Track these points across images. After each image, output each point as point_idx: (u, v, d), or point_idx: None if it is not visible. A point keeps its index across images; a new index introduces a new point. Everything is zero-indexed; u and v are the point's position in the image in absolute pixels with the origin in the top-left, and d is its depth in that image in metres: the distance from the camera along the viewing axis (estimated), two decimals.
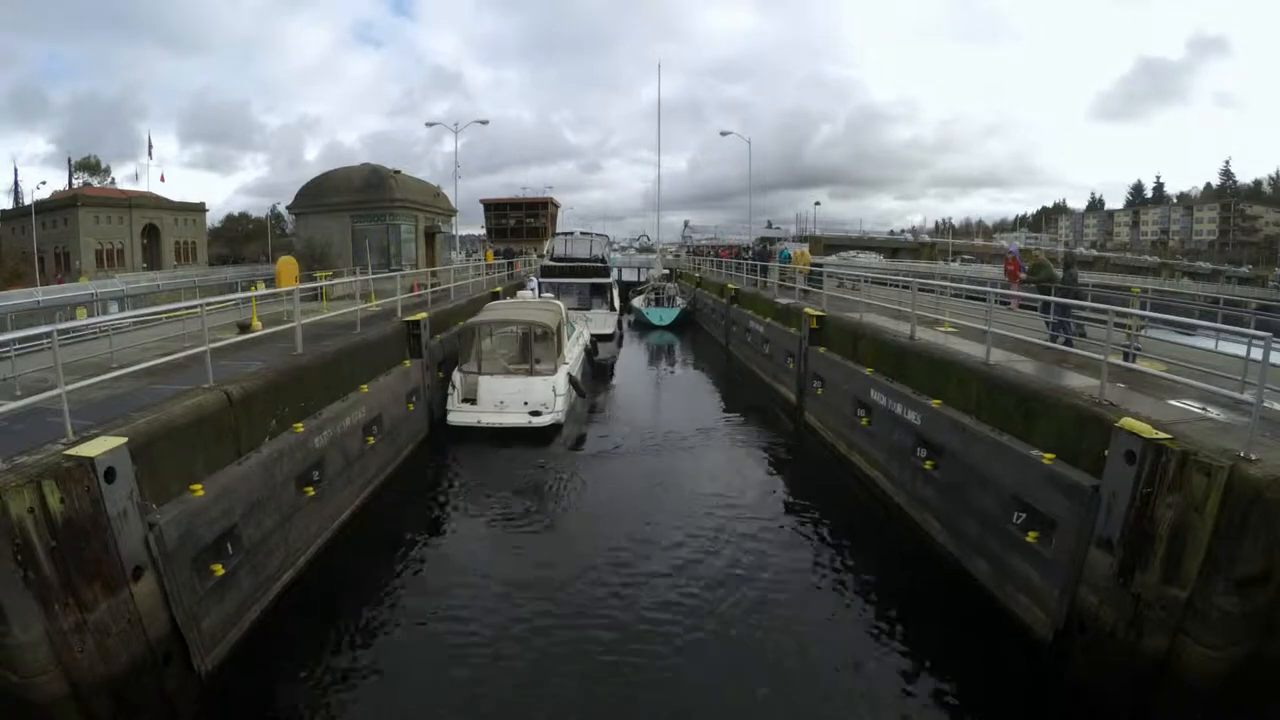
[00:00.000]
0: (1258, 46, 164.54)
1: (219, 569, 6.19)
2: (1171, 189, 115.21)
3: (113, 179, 67.99)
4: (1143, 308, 10.67)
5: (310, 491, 8.15)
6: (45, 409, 5.56)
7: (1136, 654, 5.18)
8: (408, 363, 12.70)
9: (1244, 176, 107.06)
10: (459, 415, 13.49)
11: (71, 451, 5.01)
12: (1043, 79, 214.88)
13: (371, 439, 10.25)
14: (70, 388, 5.45)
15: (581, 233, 31.38)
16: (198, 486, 6.19)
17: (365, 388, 10.48)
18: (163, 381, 7.35)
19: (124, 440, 5.33)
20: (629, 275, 50.79)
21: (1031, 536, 6.50)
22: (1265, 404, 5.16)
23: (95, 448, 5.08)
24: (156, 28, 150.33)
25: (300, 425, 8.31)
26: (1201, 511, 4.85)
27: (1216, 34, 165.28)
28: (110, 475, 5.04)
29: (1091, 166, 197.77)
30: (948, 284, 14.01)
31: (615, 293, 28.43)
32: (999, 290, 11.58)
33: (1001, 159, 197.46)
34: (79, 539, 4.75)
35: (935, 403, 8.83)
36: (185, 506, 5.92)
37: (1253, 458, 4.82)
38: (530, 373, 13.84)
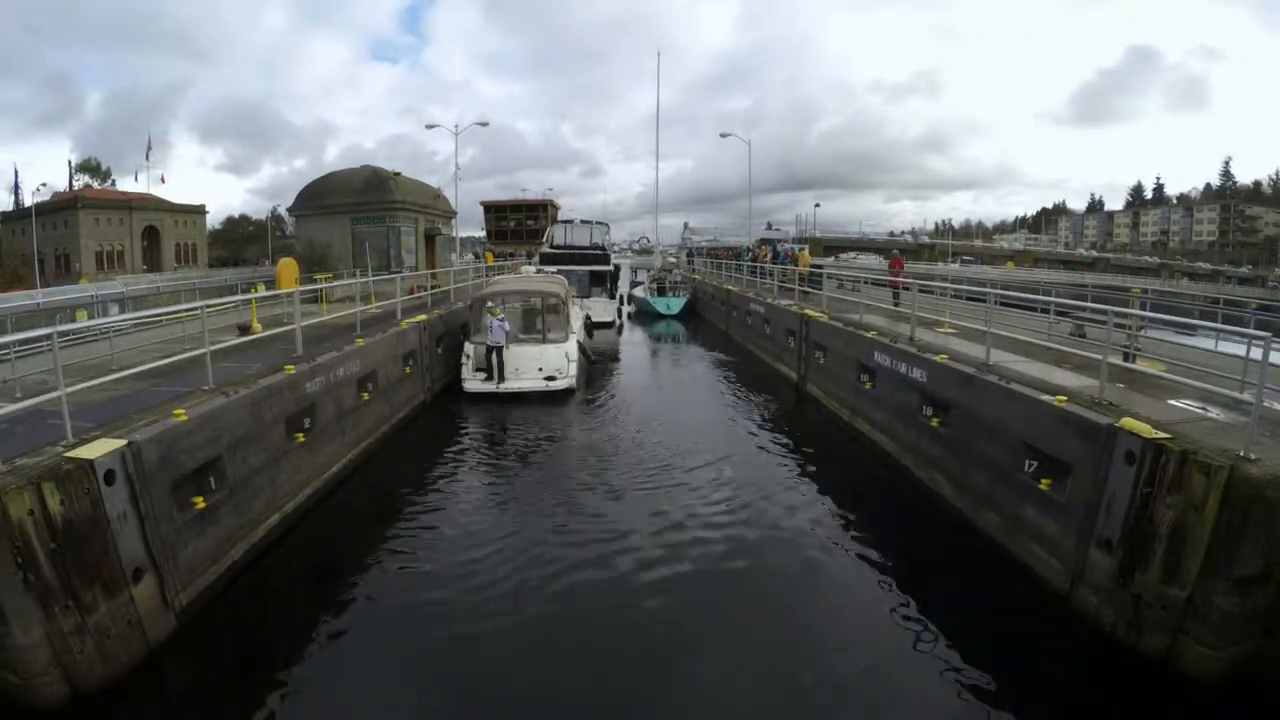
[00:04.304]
0: (1258, 47, 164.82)
1: (200, 501, 6.10)
2: (1171, 190, 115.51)
3: (113, 180, 67.92)
4: (1143, 308, 10.69)
5: (300, 438, 8.14)
6: (46, 411, 5.57)
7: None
8: (404, 324, 12.88)
9: (1244, 177, 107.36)
10: (475, 383, 14.04)
11: (71, 454, 5.02)
12: (1042, 80, 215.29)
13: (366, 395, 10.32)
14: (70, 390, 5.45)
15: (581, 221, 30.70)
16: (180, 411, 6.11)
17: (360, 341, 10.63)
18: (163, 383, 7.36)
19: (124, 443, 5.33)
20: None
21: (1044, 484, 6.43)
22: (1265, 404, 5.16)
23: (95, 450, 5.09)
24: (180, 40, 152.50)
25: (291, 367, 8.31)
26: (1201, 511, 4.85)
27: (1216, 35, 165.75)
28: (110, 477, 5.05)
29: (1093, 168, 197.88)
30: (947, 285, 14.04)
31: (615, 281, 28.21)
32: (998, 290, 11.58)
33: (997, 160, 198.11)
34: (79, 541, 4.75)
35: (941, 358, 8.80)
36: (166, 428, 5.82)
37: (1252, 458, 4.82)
38: (543, 341, 14.50)
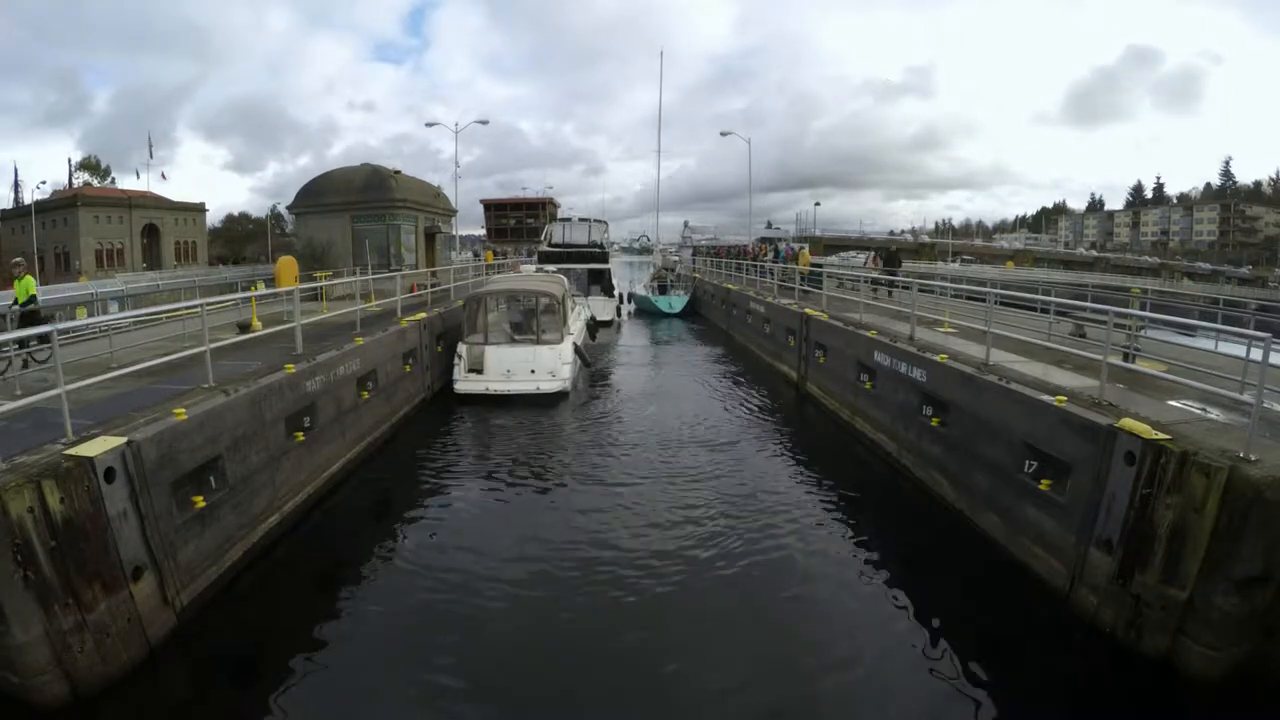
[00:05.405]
0: (1256, 49, 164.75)
1: (200, 500, 6.11)
2: (1172, 189, 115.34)
3: (113, 179, 67.87)
4: (1143, 308, 10.68)
5: (300, 437, 8.16)
6: (45, 409, 5.55)
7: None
8: (404, 322, 12.90)
9: (1244, 177, 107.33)
10: (466, 384, 13.88)
11: (71, 451, 5.02)
12: (1041, 81, 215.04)
13: (366, 393, 10.33)
14: (70, 388, 5.44)
15: (580, 219, 30.74)
16: (180, 410, 6.13)
17: (360, 340, 10.67)
18: (163, 381, 7.35)
19: (124, 441, 5.32)
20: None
21: (1044, 484, 6.44)
22: (1265, 404, 5.16)
23: (95, 448, 5.09)
24: (186, 43, 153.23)
25: (291, 366, 8.35)
26: (1201, 512, 4.85)
27: (1213, 38, 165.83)
28: (110, 475, 5.05)
29: (1093, 168, 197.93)
30: (947, 284, 14.04)
31: (614, 279, 28.09)
32: (998, 290, 11.56)
33: (996, 160, 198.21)
34: (79, 539, 4.75)
35: (941, 357, 8.82)
36: (166, 427, 5.83)
37: (1252, 458, 4.82)
38: (537, 342, 14.30)
